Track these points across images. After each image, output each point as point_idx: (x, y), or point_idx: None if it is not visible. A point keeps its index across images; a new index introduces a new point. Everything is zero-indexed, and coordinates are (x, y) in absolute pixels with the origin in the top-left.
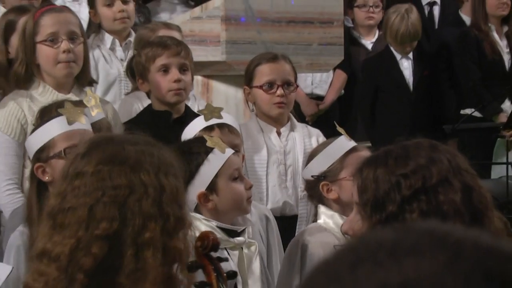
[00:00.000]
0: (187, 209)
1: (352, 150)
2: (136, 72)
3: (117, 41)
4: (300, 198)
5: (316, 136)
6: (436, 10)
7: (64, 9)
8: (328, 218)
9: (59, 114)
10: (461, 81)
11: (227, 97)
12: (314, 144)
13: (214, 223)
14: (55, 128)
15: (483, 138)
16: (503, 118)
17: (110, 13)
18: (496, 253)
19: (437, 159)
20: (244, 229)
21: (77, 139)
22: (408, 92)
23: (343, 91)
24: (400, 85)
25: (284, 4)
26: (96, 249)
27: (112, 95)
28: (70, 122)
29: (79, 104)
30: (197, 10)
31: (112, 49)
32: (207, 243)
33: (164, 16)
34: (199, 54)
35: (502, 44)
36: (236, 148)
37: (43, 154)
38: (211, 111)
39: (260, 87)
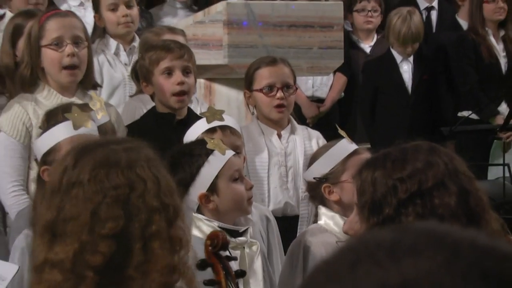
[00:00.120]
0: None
1: (354, 153)
2: (140, 75)
3: (121, 46)
4: (301, 199)
5: (316, 138)
6: (434, 14)
7: (69, 14)
8: (328, 219)
9: (66, 119)
10: (458, 84)
11: (229, 100)
12: (314, 146)
13: (215, 224)
14: (61, 132)
15: (480, 140)
16: (499, 120)
17: (114, 18)
18: (493, 253)
19: (434, 162)
20: (246, 229)
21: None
22: (407, 95)
23: (343, 93)
24: (399, 88)
25: (285, 8)
26: (104, 248)
27: (117, 99)
28: (76, 127)
29: (85, 107)
30: (200, 15)
31: (116, 53)
32: (217, 242)
33: (167, 21)
34: (202, 57)
35: (499, 48)
36: (238, 150)
37: (49, 157)
38: (213, 113)
39: (260, 90)
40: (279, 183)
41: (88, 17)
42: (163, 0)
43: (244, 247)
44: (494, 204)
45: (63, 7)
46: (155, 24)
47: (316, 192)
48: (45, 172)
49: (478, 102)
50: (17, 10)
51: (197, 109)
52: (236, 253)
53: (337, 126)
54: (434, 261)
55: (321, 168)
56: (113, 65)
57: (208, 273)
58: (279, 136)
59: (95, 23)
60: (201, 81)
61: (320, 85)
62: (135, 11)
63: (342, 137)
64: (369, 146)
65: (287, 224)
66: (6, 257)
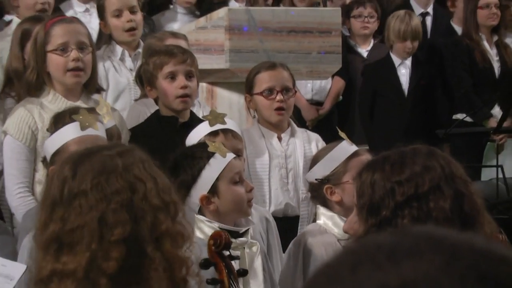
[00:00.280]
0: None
1: (354, 154)
2: (144, 79)
3: (126, 52)
4: (301, 200)
5: (315, 141)
6: (429, 20)
7: (74, 20)
8: (327, 219)
9: (73, 121)
10: (453, 87)
11: (231, 103)
12: (314, 149)
13: (216, 225)
14: (68, 133)
15: (474, 142)
16: (492, 123)
17: (119, 23)
18: (490, 256)
19: (431, 166)
20: (246, 230)
21: (88, 145)
22: (403, 98)
23: (341, 96)
24: (396, 91)
25: (285, 14)
26: (116, 253)
27: (122, 103)
28: (82, 128)
29: (92, 111)
30: (202, 21)
31: (122, 59)
32: (220, 241)
33: (170, 27)
34: (204, 62)
35: (492, 52)
36: (239, 153)
37: (57, 158)
38: (216, 116)
39: (261, 93)
40: (279, 185)
41: (93, 23)
42: (166, 7)
43: (244, 248)
44: (488, 204)
45: (69, 13)
46: (158, 30)
47: (318, 193)
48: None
49: (472, 105)
50: (23, 16)
51: (199, 112)
52: (237, 253)
53: (338, 128)
54: (433, 264)
55: (322, 169)
56: (119, 71)
57: (211, 272)
58: (280, 139)
59: (100, 29)
60: (203, 85)
61: (319, 88)
62: (139, 16)
63: (342, 139)
64: (367, 147)
65: (288, 224)
66: (14, 257)
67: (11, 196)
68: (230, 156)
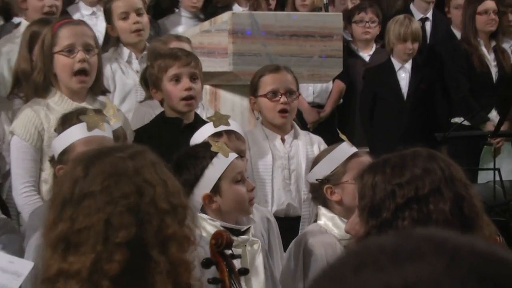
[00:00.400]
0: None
1: (354, 155)
2: (149, 82)
3: (133, 54)
4: (303, 200)
5: (317, 143)
6: (428, 25)
7: (81, 22)
8: (328, 219)
9: (81, 121)
10: (451, 91)
11: (234, 105)
12: (316, 151)
13: (218, 223)
14: (75, 133)
15: (471, 145)
16: (489, 126)
17: (126, 26)
18: (491, 258)
19: (431, 169)
20: (247, 228)
21: (95, 145)
22: (402, 101)
23: (342, 99)
24: (396, 94)
25: (287, 19)
26: (119, 256)
27: (129, 104)
28: (90, 129)
29: (99, 113)
30: (206, 24)
31: (129, 61)
32: (221, 241)
33: (174, 31)
34: (208, 65)
35: (490, 57)
36: (242, 154)
37: (64, 157)
38: (220, 118)
39: (265, 95)
40: (282, 185)
41: (100, 26)
42: (171, 11)
43: (245, 245)
44: (485, 207)
45: (76, 16)
46: (163, 33)
47: (319, 193)
48: (60, 171)
49: (470, 109)
50: (31, 19)
51: (203, 114)
52: (238, 251)
53: (338, 130)
54: (435, 266)
55: (323, 170)
56: (125, 73)
57: (212, 271)
58: (283, 140)
59: (106, 32)
60: (206, 87)
61: (320, 91)
62: (145, 18)
63: (343, 141)
64: (367, 149)
65: (289, 224)
66: (21, 255)
67: (18, 195)
68: (233, 156)
